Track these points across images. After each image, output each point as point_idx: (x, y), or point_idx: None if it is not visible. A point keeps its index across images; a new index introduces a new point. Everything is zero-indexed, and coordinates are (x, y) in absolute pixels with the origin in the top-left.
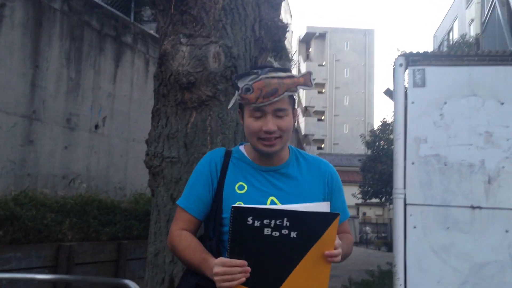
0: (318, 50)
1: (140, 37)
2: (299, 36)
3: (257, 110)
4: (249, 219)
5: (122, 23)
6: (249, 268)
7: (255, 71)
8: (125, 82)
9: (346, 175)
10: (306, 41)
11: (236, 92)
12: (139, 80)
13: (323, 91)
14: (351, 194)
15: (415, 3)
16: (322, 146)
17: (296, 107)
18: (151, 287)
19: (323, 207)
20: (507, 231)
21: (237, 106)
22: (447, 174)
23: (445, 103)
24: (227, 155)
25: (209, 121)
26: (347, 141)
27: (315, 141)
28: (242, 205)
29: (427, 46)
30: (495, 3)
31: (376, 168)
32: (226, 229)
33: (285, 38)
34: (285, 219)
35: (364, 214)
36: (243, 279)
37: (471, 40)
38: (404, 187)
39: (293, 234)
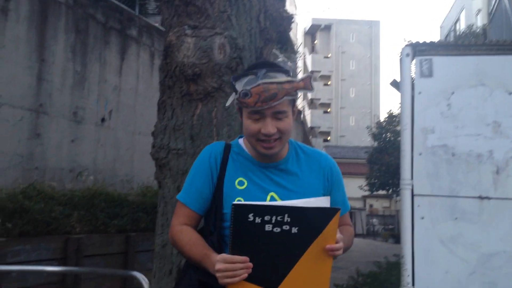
0: (324, 42)
1: (145, 30)
2: (305, 28)
3: (255, 112)
4: (250, 216)
5: (127, 16)
6: (251, 264)
7: (253, 71)
8: (130, 75)
9: (352, 167)
10: (311, 33)
11: (234, 94)
12: (144, 73)
13: (329, 83)
14: (357, 187)
15: None
16: (328, 138)
17: (296, 104)
18: (159, 278)
19: (323, 202)
20: None
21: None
22: (454, 165)
23: (453, 93)
24: (227, 149)
25: (215, 112)
26: (353, 133)
27: (321, 133)
28: (243, 202)
29: (434, 37)
30: None
31: (383, 160)
32: (226, 224)
33: (291, 29)
34: (286, 215)
35: (371, 206)
36: (245, 275)
37: (478, 30)
38: (412, 178)
39: (294, 230)
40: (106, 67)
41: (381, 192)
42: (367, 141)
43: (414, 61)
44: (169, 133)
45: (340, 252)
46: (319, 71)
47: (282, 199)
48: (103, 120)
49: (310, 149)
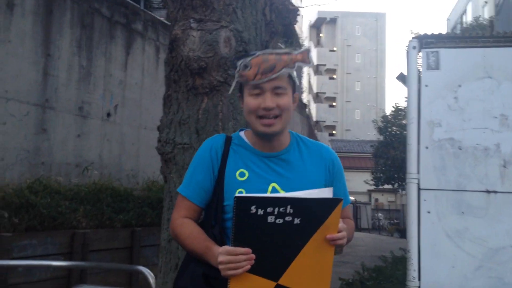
0: (329, 35)
1: (151, 24)
2: (310, 21)
3: (255, 87)
4: (252, 208)
5: (132, 10)
6: (253, 256)
7: (254, 52)
8: (136, 70)
9: (358, 161)
10: (317, 26)
11: (236, 73)
12: (150, 68)
13: (334, 77)
14: (363, 181)
15: None
16: (334, 132)
17: (296, 91)
18: (165, 273)
19: (325, 193)
20: None
21: (239, 91)
22: (461, 158)
23: (460, 85)
24: (227, 141)
25: (221, 106)
26: (358, 127)
27: (327, 127)
28: (245, 194)
29: (440, 30)
30: None
31: (389, 154)
32: (228, 216)
33: (296, 21)
34: (289, 206)
35: (376, 200)
36: (248, 266)
37: (485, 22)
38: (418, 172)
39: (296, 221)
40: (112, 61)
41: (386, 186)
42: (372, 135)
43: (420, 54)
44: (175, 127)
45: (343, 241)
46: (324, 65)
47: (283, 189)
48: (108, 114)
49: (311, 141)
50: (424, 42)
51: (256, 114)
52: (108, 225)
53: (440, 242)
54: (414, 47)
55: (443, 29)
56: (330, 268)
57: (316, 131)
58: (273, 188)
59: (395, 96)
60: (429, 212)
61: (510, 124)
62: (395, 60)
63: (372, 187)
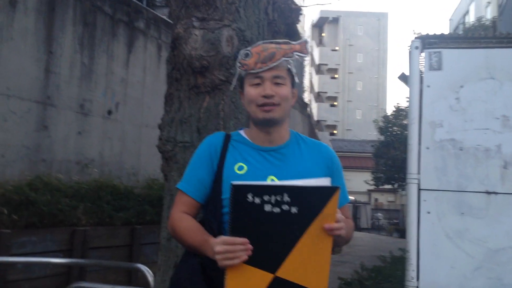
0: (331, 35)
1: (153, 22)
2: (312, 21)
3: (255, 77)
4: (249, 196)
5: (134, 8)
6: (251, 246)
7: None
8: (137, 68)
9: (358, 161)
10: (319, 25)
11: (237, 62)
12: (151, 66)
13: (336, 76)
14: (363, 181)
15: None
16: (335, 132)
17: (295, 87)
18: (164, 271)
19: (323, 182)
20: None
21: (240, 87)
22: (462, 159)
23: (462, 86)
24: (227, 138)
25: (222, 105)
26: (359, 127)
27: (328, 127)
28: (242, 182)
29: (443, 30)
30: None
31: (389, 154)
32: (226, 210)
33: (299, 21)
34: (285, 195)
35: (376, 200)
36: (245, 257)
37: (487, 23)
38: (418, 172)
39: (293, 210)
40: (114, 59)
41: (386, 186)
42: (373, 135)
43: (423, 54)
44: (176, 126)
45: (341, 232)
46: (326, 64)
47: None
48: (110, 112)
49: (310, 139)
50: (427, 42)
51: (256, 103)
52: (108, 223)
53: (439, 243)
54: (416, 47)
55: (445, 30)
56: (328, 260)
57: (317, 130)
58: (271, 181)
59: (396, 96)
60: (429, 212)
61: (511, 125)
62: (397, 60)
63: (372, 187)
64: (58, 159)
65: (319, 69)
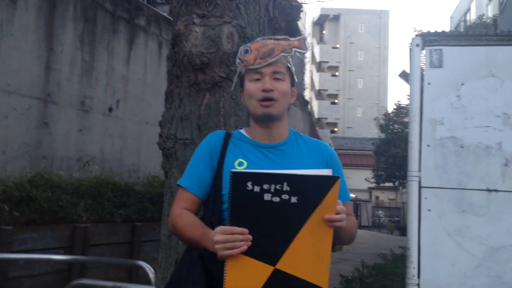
0: (332, 32)
1: (153, 19)
2: (313, 18)
3: (255, 72)
4: (249, 184)
5: (135, 5)
6: (250, 237)
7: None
8: (138, 65)
9: (359, 159)
10: (320, 23)
11: (237, 58)
12: (152, 63)
13: (337, 74)
14: (364, 178)
15: None
16: (335, 129)
17: (294, 86)
18: (165, 268)
19: (324, 172)
20: None
21: (241, 85)
22: (463, 157)
23: (463, 84)
24: (227, 136)
25: (223, 102)
26: (360, 125)
27: (328, 124)
28: (241, 170)
29: (444, 27)
30: None
31: (390, 151)
32: (226, 207)
33: (299, 18)
34: (285, 184)
35: (377, 198)
36: (245, 247)
37: (488, 20)
38: (419, 170)
39: (293, 199)
40: (114, 56)
41: (387, 184)
42: (374, 132)
43: (424, 52)
44: (177, 123)
45: (341, 223)
46: (327, 62)
47: None
48: (110, 109)
49: (309, 138)
50: (427, 40)
51: (256, 98)
52: (109, 220)
53: (440, 240)
54: (417, 45)
55: (446, 27)
56: (328, 253)
57: (317, 128)
58: None
59: (397, 94)
60: (429, 210)
61: None
62: (398, 57)
63: (373, 185)
64: (59, 156)
65: (319, 67)
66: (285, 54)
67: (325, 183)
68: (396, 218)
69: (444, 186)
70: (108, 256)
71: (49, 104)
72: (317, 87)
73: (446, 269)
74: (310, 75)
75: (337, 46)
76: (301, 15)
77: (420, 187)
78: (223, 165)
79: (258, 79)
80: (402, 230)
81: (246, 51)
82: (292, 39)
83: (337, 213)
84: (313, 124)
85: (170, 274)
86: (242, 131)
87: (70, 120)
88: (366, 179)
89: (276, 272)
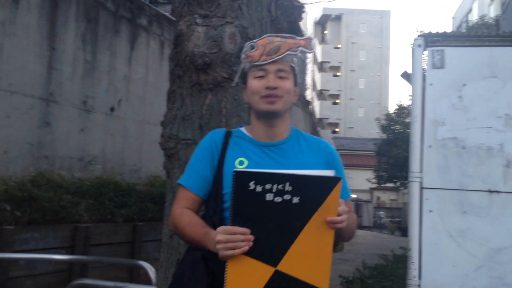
0: (334, 32)
1: (155, 19)
2: (315, 18)
3: (260, 69)
4: (251, 184)
5: (137, 5)
6: (252, 237)
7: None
8: (140, 65)
9: (360, 159)
10: (321, 23)
11: (242, 54)
12: (154, 63)
13: (338, 74)
14: (365, 179)
15: None
16: (337, 129)
17: (297, 86)
18: (166, 268)
19: (326, 173)
20: None
21: (243, 83)
22: (464, 158)
23: (464, 85)
24: (228, 134)
25: (225, 102)
26: (362, 125)
27: (330, 124)
28: (244, 169)
29: (446, 28)
30: None
31: (391, 152)
32: (227, 205)
33: (301, 18)
34: (287, 184)
35: (378, 198)
36: (246, 247)
37: (491, 21)
38: (421, 171)
39: (295, 200)
40: (116, 56)
41: (388, 184)
42: (375, 133)
43: (426, 52)
44: (178, 123)
45: (343, 225)
46: (328, 62)
47: None
48: (112, 109)
49: (310, 136)
50: (430, 40)
51: (260, 95)
52: (110, 220)
53: (441, 241)
54: (419, 45)
55: (448, 28)
56: (330, 254)
57: (319, 128)
58: None
59: (399, 94)
60: (431, 211)
61: None
62: (400, 58)
63: (374, 185)
64: (61, 155)
65: (321, 67)
66: (290, 53)
67: (327, 184)
68: (397, 219)
69: (445, 187)
70: (109, 256)
71: (51, 104)
72: (318, 87)
73: (447, 270)
74: (312, 75)
75: (339, 46)
76: (303, 15)
77: (421, 187)
78: (224, 163)
79: (262, 76)
80: (403, 230)
81: (252, 47)
82: (299, 38)
83: (339, 214)
84: (315, 124)
85: (172, 274)
86: (243, 129)
87: (72, 119)
88: (368, 180)
89: (277, 273)
